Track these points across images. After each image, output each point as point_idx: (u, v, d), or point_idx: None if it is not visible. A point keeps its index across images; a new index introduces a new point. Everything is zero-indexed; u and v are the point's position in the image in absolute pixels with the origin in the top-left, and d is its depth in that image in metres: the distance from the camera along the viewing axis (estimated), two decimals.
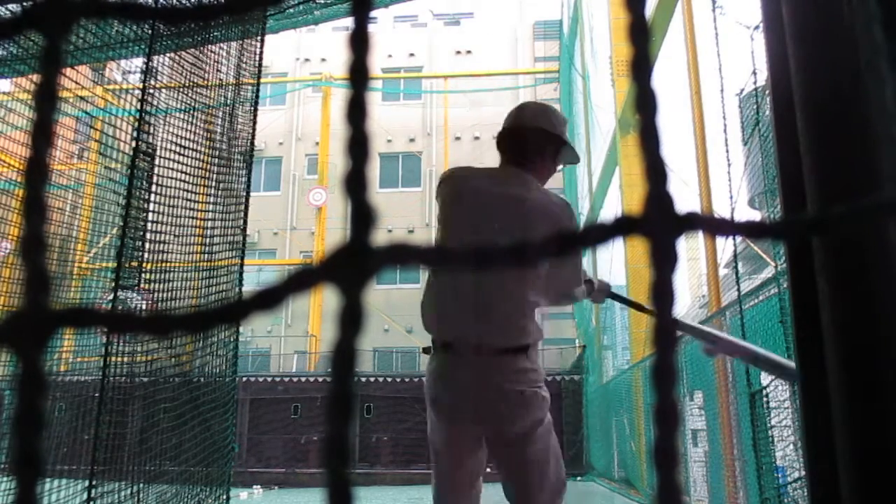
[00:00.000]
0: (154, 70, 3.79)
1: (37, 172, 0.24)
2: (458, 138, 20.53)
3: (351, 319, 0.22)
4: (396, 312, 18.78)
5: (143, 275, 3.74)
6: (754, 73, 4.17)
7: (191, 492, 4.19)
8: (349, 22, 0.28)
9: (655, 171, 0.24)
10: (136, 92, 3.73)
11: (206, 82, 4.32)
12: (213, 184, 4.48)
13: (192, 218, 4.15)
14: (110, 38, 4.40)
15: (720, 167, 4.76)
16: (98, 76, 6.78)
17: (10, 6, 3.38)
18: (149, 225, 3.76)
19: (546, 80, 19.98)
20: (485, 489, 2.18)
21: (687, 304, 9.55)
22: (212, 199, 4.50)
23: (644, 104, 0.24)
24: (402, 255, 0.24)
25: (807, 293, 0.86)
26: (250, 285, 5.28)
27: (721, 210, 6.12)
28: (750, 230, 0.26)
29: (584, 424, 13.04)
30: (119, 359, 3.57)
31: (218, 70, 4.51)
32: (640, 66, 0.25)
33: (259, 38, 4.94)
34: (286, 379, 14.34)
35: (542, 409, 2.06)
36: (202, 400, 4.32)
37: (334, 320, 0.23)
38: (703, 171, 6.77)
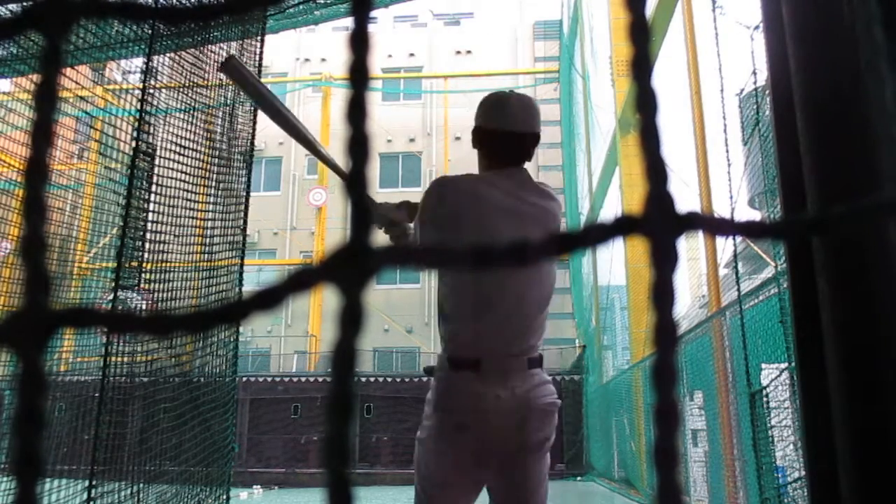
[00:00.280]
0: (154, 70, 3.79)
1: (37, 172, 0.24)
2: (458, 138, 20.53)
3: (351, 319, 0.22)
4: (396, 312, 18.79)
5: (143, 275, 3.74)
6: (754, 73, 4.18)
7: (191, 492, 4.19)
8: (349, 22, 0.28)
9: (656, 170, 0.24)
10: (136, 92, 3.73)
11: (206, 82, 4.32)
12: (213, 184, 4.48)
13: (192, 218, 4.15)
14: (110, 38, 4.40)
15: (720, 167, 4.76)
16: (98, 76, 6.78)
17: (10, 6, 3.38)
18: (149, 225, 3.76)
19: (546, 80, 19.98)
20: None
21: (687, 304, 9.55)
22: (212, 199, 4.50)
23: (644, 104, 0.24)
24: (402, 256, 0.24)
25: (807, 293, 0.86)
26: (250, 285, 5.28)
27: (721, 210, 6.12)
28: (750, 230, 0.26)
29: (584, 424, 13.05)
30: (119, 359, 3.57)
31: (218, 70, 4.51)
32: (641, 66, 0.25)
33: (259, 38, 4.94)
34: (286, 379, 14.34)
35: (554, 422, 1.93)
36: (202, 400, 4.32)
37: (334, 320, 0.23)
38: (703, 171, 6.77)
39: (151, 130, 3.77)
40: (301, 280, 0.23)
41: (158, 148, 3.78)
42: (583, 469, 12.73)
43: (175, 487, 4.04)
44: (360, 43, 0.24)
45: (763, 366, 4.09)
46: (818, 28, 0.87)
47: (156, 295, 3.89)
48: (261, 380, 14.19)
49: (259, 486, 11.81)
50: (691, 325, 6.51)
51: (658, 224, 0.24)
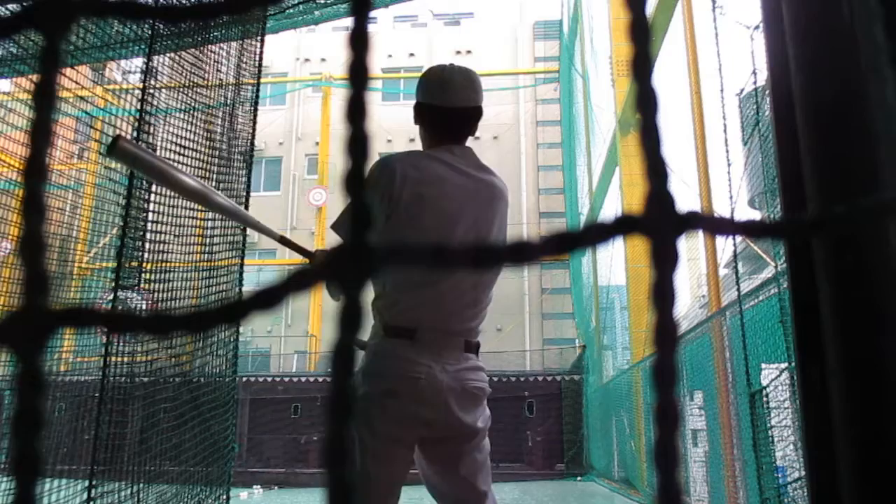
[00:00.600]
0: (154, 70, 3.79)
1: (36, 172, 0.24)
2: None
3: (350, 319, 0.22)
4: None
5: (143, 275, 3.74)
6: (754, 73, 4.18)
7: (191, 492, 4.19)
8: (349, 22, 0.28)
9: (656, 170, 0.24)
10: (136, 92, 3.73)
11: (206, 82, 4.32)
12: (214, 184, 4.48)
13: (192, 218, 4.15)
14: (110, 38, 4.40)
15: (720, 167, 4.76)
16: (98, 76, 6.78)
17: (10, 6, 3.38)
18: (149, 225, 3.76)
19: (546, 80, 19.98)
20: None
21: (687, 304, 9.55)
22: None
23: (645, 103, 0.24)
24: (402, 256, 0.24)
25: (807, 293, 0.86)
26: (250, 285, 5.28)
27: (721, 210, 6.12)
28: (750, 230, 0.26)
29: (584, 424, 13.04)
30: (119, 359, 3.57)
31: (218, 70, 4.51)
32: (641, 66, 0.25)
33: (259, 38, 4.94)
34: (286, 379, 14.34)
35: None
36: (202, 400, 4.32)
37: (334, 320, 0.23)
38: (703, 171, 6.77)
39: (151, 130, 3.77)
40: (301, 280, 0.23)
41: (158, 148, 3.77)
42: (583, 469, 12.73)
43: (175, 487, 4.04)
44: (359, 43, 0.24)
45: (763, 366, 4.09)
46: (818, 28, 0.87)
47: (156, 295, 3.89)
48: (261, 380, 14.18)
49: (259, 486, 11.81)
50: (691, 325, 6.51)
51: (658, 224, 0.24)
